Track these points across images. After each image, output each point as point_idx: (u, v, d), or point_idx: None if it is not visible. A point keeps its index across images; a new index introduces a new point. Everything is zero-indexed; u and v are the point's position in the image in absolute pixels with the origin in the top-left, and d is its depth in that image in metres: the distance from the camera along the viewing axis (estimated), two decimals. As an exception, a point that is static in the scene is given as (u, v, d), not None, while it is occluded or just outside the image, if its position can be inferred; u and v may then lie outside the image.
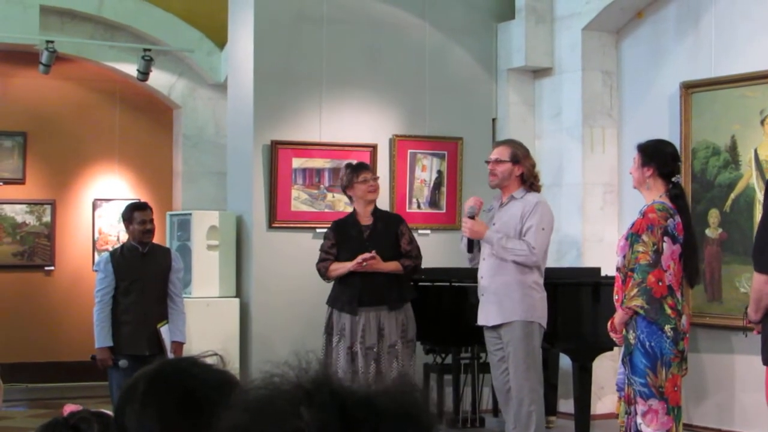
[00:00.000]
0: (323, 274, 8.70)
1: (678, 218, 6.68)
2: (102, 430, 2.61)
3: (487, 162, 8.08)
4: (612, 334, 6.84)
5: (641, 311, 6.55)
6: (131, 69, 12.65)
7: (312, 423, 1.32)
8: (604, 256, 9.68)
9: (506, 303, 7.78)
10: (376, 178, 8.80)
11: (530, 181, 7.96)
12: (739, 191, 9.28)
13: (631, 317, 6.64)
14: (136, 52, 12.56)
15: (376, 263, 8.45)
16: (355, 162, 9.19)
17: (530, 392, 7.77)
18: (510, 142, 8.29)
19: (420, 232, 10.20)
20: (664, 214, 6.63)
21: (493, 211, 8.03)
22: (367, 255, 8.41)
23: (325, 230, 9.42)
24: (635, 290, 6.57)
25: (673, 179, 6.85)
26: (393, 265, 8.53)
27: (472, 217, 7.89)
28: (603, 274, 9.30)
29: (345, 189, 8.83)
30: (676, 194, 6.81)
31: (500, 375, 7.91)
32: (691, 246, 6.78)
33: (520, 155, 7.96)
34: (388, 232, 8.64)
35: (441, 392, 9.76)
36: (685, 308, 6.80)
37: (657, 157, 6.82)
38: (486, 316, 7.91)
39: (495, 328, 7.87)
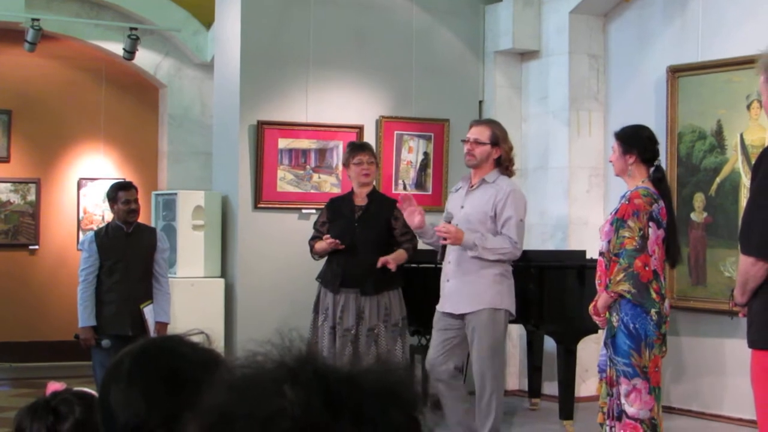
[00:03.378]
0: (311, 251, 8.70)
1: (661, 203, 6.70)
2: (84, 412, 2.60)
3: (464, 141, 7.85)
4: (594, 317, 6.84)
5: (628, 295, 6.55)
6: (117, 48, 12.60)
7: (295, 401, 1.31)
8: (590, 239, 9.69)
9: (475, 291, 7.59)
10: (371, 162, 8.66)
11: (505, 165, 7.74)
12: (724, 175, 9.30)
13: (615, 300, 6.65)
14: (122, 30, 12.51)
15: (396, 261, 8.40)
16: (359, 141, 9.19)
17: (492, 379, 7.65)
18: (490, 123, 8.05)
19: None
20: (649, 200, 6.64)
21: (461, 192, 7.81)
22: (383, 260, 8.36)
23: (310, 211, 9.49)
24: (622, 275, 6.57)
25: (655, 163, 6.85)
26: (401, 255, 8.47)
27: (448, 222, 7.62)
28: (588, 257, 9.30)
29: (344, 166, 8.86)
30: (658, 177, 6.82)
31: (440, 356, 7.72)
32: (672, 228, 6.80)
33: (500, 138, 7.72)
34: (380, 215, 8.58)
35: (425, 373, 9.76)
36: (666, 292, 6.82)
37: (637, 143, 6.82)
38: (454, 304, 7.68)
39: (459, 314, 7.69)
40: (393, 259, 8.38)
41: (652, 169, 6.82)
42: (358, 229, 8.52)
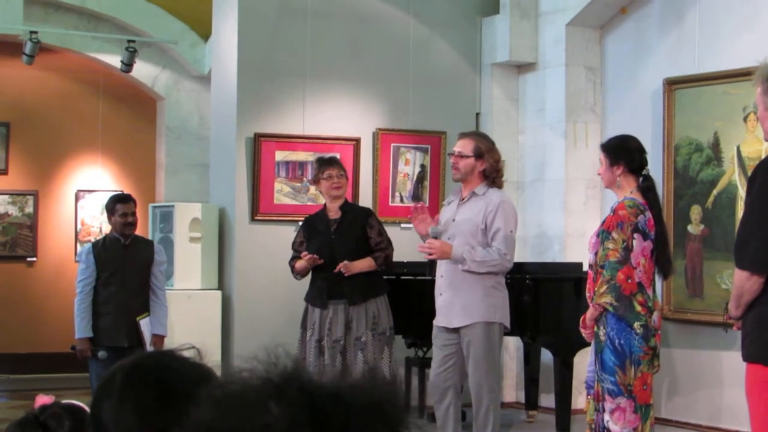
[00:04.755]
0: (292, 272, 8.72)
1: (649, 214, 6.65)
2: (73, 426, 2.60)
3: (450, 154, 7.85)
4: (582, 331, 6.82)
5: (610, 308, 6.51)
6: (115, 60, 12.61)
7: (281, 418, 1.32)
8: (586, 252, 9.68)
9: (468, 304, 7.55)
10: (341, 175, 8.63)
11: (492, 177, 7.68)
12: (721, 188, 9.30)
13: (601, 314, 6.61)
14: (120, 43, 12.52)
15: (351, 268, 8.42)
16: (327, 156, 9.19)
17: (489, 392, 7.63)
18: (474, 135, 8.03)
19: (402, 225, 10.20)
20: (634, 211, 6.59)
21: (452, 205, 7.78)
22: (340, 265, 8.40)
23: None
24: (604, 287, 6.53)
25: (644, 172, 6.82)
26: (367, 263, 8.48)
27: (436, 238, 7.60)
28: (585, 269, 9.30)
29: (314, 182, 8.89)
30: (647, 187, 6.79)
31: (442, 372, 7.70)
32: (662, 238, 6.76)
33: (483, 150, 7.66)
34: (355, 226, 8.57)
35: (422, 386, 9.76)
36: (656, 305, 6.77)
37: (624, 154, 6.78)
38: (447, 317, 7.66)
39: (454, 328, 7.66)
40: (351, 265, 8.39)
41: (640, 179, 6.80)
42: (335, 242, 8.52)
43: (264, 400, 1.33)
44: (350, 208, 8.73)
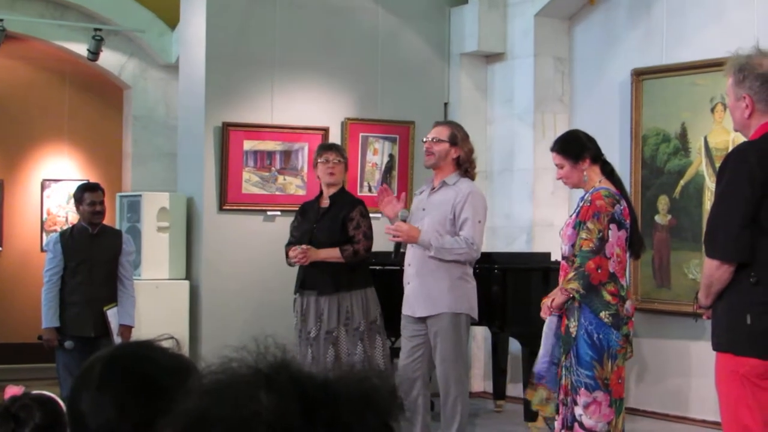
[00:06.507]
0: (286, 256, 8.49)
1: (624, 203, 6.64)
2: (44, 417, 2.59)
3: (425, 141, 7.82)
4: (542, 309, 6.76)
5: (576, 295, 6.47)
6: (81, 49, 12.53)
7: (270, 407, 1.32)
8: (555, 241, 9.69)
9: (434, 294, 7.54)
10: (338, 162, 8.40)
11: (465, 167, 7.67)
12: (688, 178, 9.35)
13: (568, 302, 6.56)
14: (87, 31, 12.44)
15: (312, 254, 8.35)
16: (328, 142, 9.15)
17: (456, 383, 7.62)
18: (450, 124, 8.04)
19: (371, 215, 10.19)
20: (611, 201, 6.57)
21: (424, 195, 7.77)
22: (297, 250, 8.33)
23: (275, 213, 9.45)
24: (572, 273, 6.51)
25: (602, 157, 6.81)
26: (333, 253, 8.27)
27: (404, 221, 7.59)
28: (553, 259, 9.34)
29: (314, 167, 8.66)
30: (610, 170, 6.79)
31: (410, 363, 7.70)
32: (633, 219, 6.76)
33: (459, 137, 7.67)
34: (337, 216, 8.37)
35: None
36: (629, 294, 6.76)
37: (586, 147, 6.76)
38: (413, 307, 7.67)
39: (421, 318, 7.66)
40: (315, 252, 8.26)
41: (600, 164, 6.78)
42: (316, 232, 8.38)
43: (254, 389, 1.33)
44: (339, 199, 8.46)
